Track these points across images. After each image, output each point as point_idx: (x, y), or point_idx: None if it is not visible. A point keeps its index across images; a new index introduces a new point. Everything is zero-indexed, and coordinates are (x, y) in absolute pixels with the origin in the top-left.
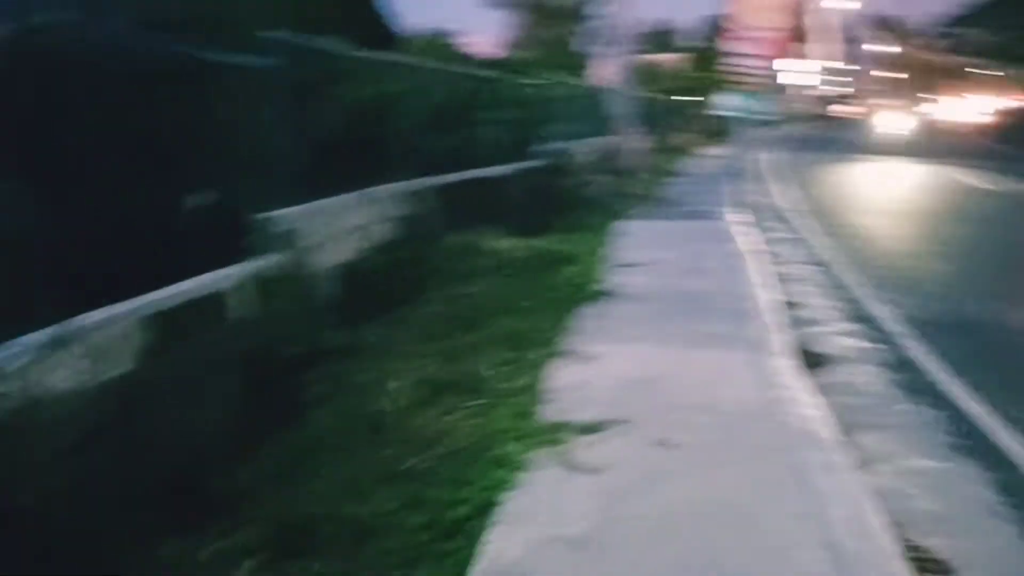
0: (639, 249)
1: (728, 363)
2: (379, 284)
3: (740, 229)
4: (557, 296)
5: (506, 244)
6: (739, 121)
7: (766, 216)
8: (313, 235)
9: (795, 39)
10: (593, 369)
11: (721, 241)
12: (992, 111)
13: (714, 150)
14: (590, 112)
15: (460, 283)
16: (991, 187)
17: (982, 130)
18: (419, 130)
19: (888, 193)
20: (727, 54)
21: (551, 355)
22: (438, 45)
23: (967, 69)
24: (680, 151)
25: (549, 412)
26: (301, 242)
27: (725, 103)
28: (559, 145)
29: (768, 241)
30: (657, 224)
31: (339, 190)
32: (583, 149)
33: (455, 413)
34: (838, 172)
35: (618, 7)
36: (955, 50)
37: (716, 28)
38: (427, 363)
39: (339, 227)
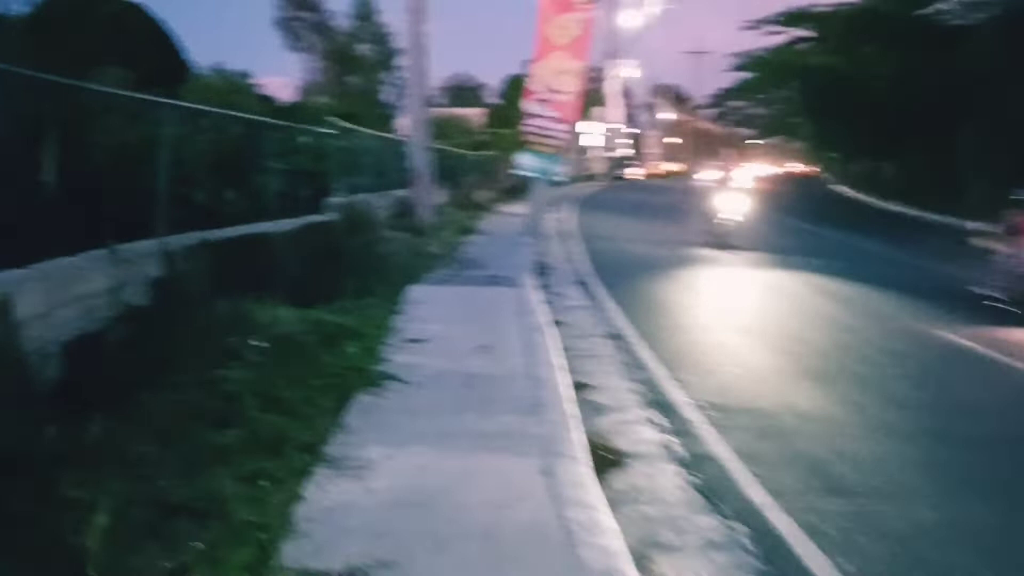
0: (430, 321)
1: (517, 472)
2: (117, 364)
3: (537, 297)
4: (333, 382)
5: (283, 315)
6: (537, 180)
7: (563, 281)
8: (34, 304)
9: (591, 103)
10: (361, 484)
11: (516, 312)
12: (766, 176)
13: (514, 207)
14: (388, 164)
15: (220, 364)
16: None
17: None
18: (192, 179)
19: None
20: (528, 114)
21: (315, 463)
22: (232, 85)
23: (741, 138)
24: (480, 207)
25: (296, 553)
26: (15, 313)
27: (524, 162)
28: (352, 198)
29: (565, 310)
30: (452, 290)
31: (82, 247)
32: (379, 203)
33: (178, 553)
34: (629, 231)
35: (414, 58)
36: (726, 120)
37: (518, 87)
38: (159, 475)
39: (74, 292)
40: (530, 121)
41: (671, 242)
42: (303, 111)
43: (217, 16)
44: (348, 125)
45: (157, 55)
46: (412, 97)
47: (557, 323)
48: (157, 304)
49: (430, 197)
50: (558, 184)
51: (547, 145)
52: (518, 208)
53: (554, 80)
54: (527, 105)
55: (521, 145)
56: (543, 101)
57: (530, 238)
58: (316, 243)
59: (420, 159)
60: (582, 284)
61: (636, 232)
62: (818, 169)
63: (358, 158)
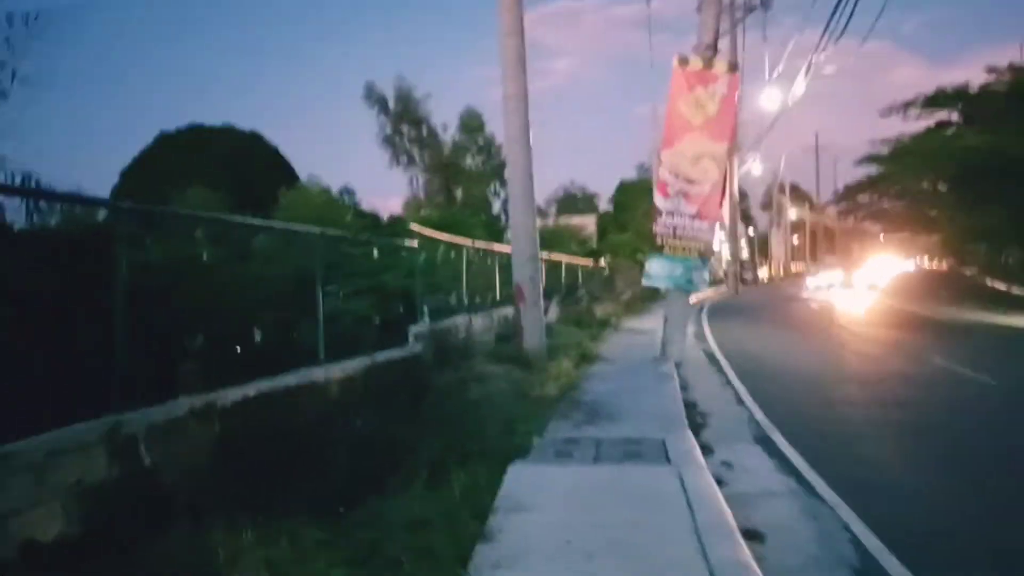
0: (535, 561)
1: None
2: None
3: (705, 484)
4: None
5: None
6: (672, 290)
7: (729, 436)
8: None
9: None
10: None
11: (686, 529)
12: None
13: (640, 322)
14: (490, 279)
15: None
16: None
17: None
18: (243, 310)
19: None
20: (660, 211)
21: None
22: (327, 199)
23: (867, 234)
24: (600, 324)
25: None
26: None
27: (656, 269)
28: (445, 322)
29: (755, 504)
30: (573, 476)
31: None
32: (480, 324)
33: None
34: (780, 347)
35: (517, 154)
36: (852, 216)
37: (630, 192)
38: None
39: None
40: (663, 220)
41: (842, 361)
42: (398, 224)
43: (336, 141)
44: (435, 234)
45: (274, 177)
46: (514, 200)
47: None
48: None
49: (539, 315)
50: (696, 290)
51: (683, 248)
52: (645, 323)
53: (690, 168)
54: (659, 201)
55: (653, 249)
56: (678, 195)
57: (667, 366)
58: (386, 390)
59: (525, 271)
60: (760, 442)
61: (788, 348)
62: (953, 263)
63: (451, 273)
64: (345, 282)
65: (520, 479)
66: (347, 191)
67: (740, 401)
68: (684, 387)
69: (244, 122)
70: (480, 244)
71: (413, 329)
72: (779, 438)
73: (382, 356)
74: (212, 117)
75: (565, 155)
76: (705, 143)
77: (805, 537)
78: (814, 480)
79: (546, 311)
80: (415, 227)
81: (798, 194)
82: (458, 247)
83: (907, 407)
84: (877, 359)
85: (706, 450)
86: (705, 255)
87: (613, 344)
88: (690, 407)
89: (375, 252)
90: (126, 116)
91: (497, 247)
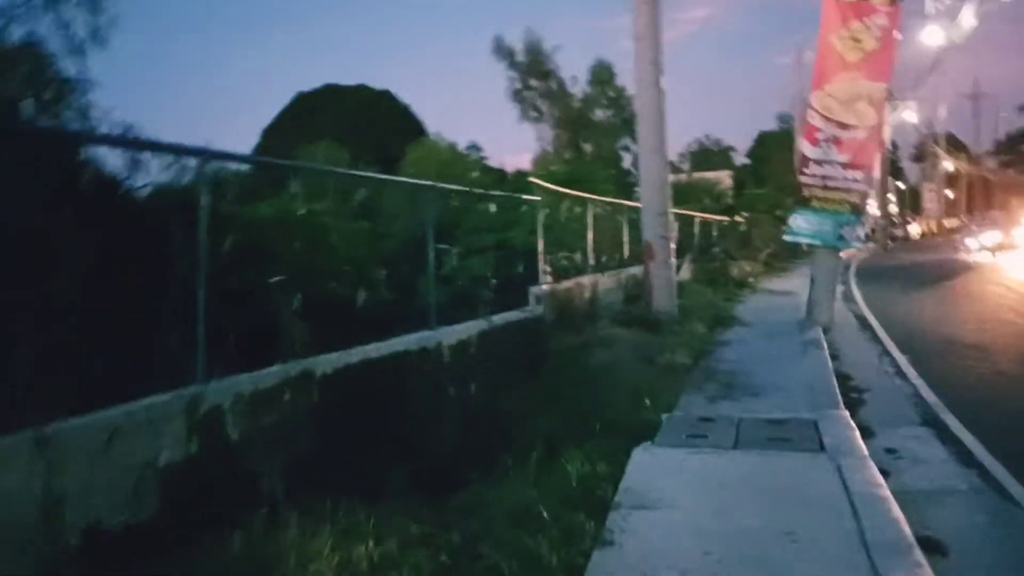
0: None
1: None
2: None
3: (862, 477)
4: None
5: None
6: (820, 247)
7: (891, 417)
8: None
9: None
10: None
11: (833, 531)
12: None
13: (780, 283)
14: (618, 236)
15: None
16: None
17: None
18: (353, 270)
19: None
20: (807, 159)
21: None
22: (450, 156)
23: None
24: (736, 283)
25: None
26: None
27: (802, 224)
28: (568, 283)
29: (930, 503)
30: (707, 465)
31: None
32: (606, 284)
33: None
34: (937, 312)
35: (647, 101)
36: (1015, 168)
37: (769, 144)
38: None
39: None
40: (810, 170)
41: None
42: (521, 180)
43: (468, 99)
44: (559, 189)
45: (405, 134)
46: (644, 151)
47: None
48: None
49: (670, 275)
50: (846, 248)
51: (834, 200)
52: (786, 283)
53: (844, 111)
54: (806, 148)
55: (798, 202)
56: (829, 141)
57: (813, 332)
58: (503, 356)
59: (655, 228)
60: (930, 425)
61: (952, 315)
62: None
63: (577, 230)
64: (463, 240)
65: (646, 466)
66: (474, 147)
67: (901, 374)
68: (834, 356)
69: (378, 82)
70: (608, 199)
71: (534, 289)
72: (952, 421)
73: (500, 319)
74: (347, 78)
75: (701, 108)
76: (861, 83)
77: (996, 551)
78: (1002, 476)
79: (678, 270)
80: (536, 181)
81: (954, 144)
82: (584, 202)
83: None
84: None
85: (865, 433)
86: (858, 209)
87: (751, 306)
88: (843, 380)
89: (492, 208)
90: (267, 78)
91: (627, 203)
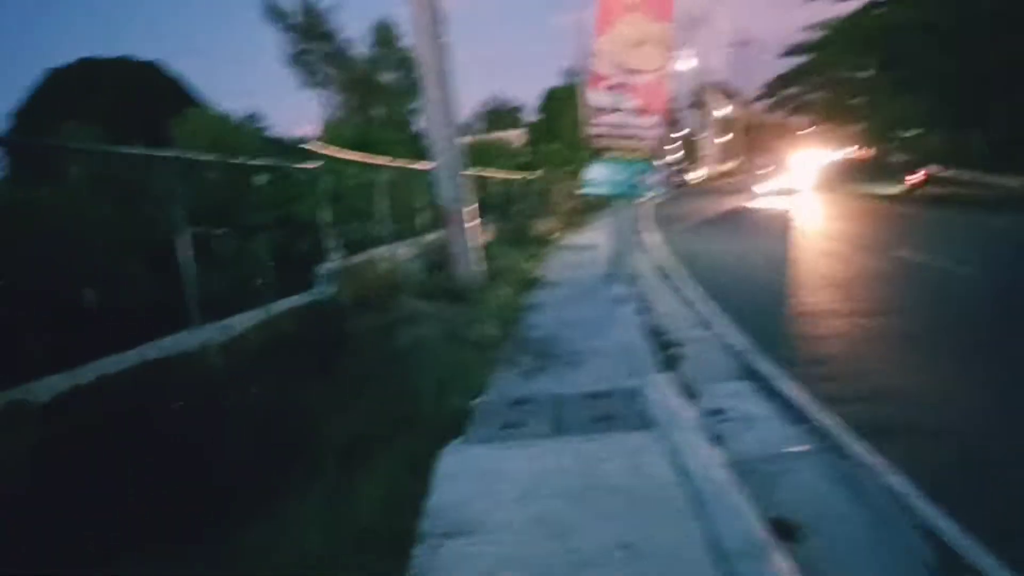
0: None
1: None
2: None
3: (697, 458)
4: None
5: None
6: (618, 198)
7: (712, 369)
8: None
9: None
10: None
11: (679, 537)
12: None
13: (582, 236)
14: (413, 203)
15: None
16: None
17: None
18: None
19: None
20: (597, 109)
21: None
22: (222, 127)
23: (794, 128)
24: (539, 242)
25: None
26: None
27: (597, 176)
28: (361, 256)
29: (767, 480)
30: (525, 463)
31: None
32: (404, 254)
33: None
34: (735, 250)
35: (431, 63)
36: (780, 110)
37: (558, 98)
38: None
39: None
40: (601, 119)
41: (808, 264)
42: (307, 149)
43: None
44: (344, 155)
45: (176, 109)
46: (432, 109)
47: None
48: None
49: (471, 239)
50: (640, 198)
51: (627, 148)
52: (587, 237)
53: (630, 55)
54: (595, 97)
55: (592, 155)
56: (617, 87)
57: (619, 287)
58: (290, 347)
59: (451, 191)
60: (750, 377)
61: (745, 254)
62: (875, 151)
63: (369, 198)
64: (239, 219)
65: (457, 474)
66: (252, 116)
67: (708, 324)
68: (643, 310)
69: (145, 54)
70: (399, 163)
71: (323, 268)
72: (769, 369)
73: (282, 305)
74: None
75: (488, 73)
76: (645, 24)
77: (853, 526)
78: (836, 431)
79: (479, 232)
80: (313, 147)
81: (727, 91)
82: (375, 168)
83: (902, 313)
84: (845, 258)
85: (689, 394)
86: (653, 155)
87: (556, 264)
88: (656, 336)
89: (263, 179)
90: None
91: (422, 166)
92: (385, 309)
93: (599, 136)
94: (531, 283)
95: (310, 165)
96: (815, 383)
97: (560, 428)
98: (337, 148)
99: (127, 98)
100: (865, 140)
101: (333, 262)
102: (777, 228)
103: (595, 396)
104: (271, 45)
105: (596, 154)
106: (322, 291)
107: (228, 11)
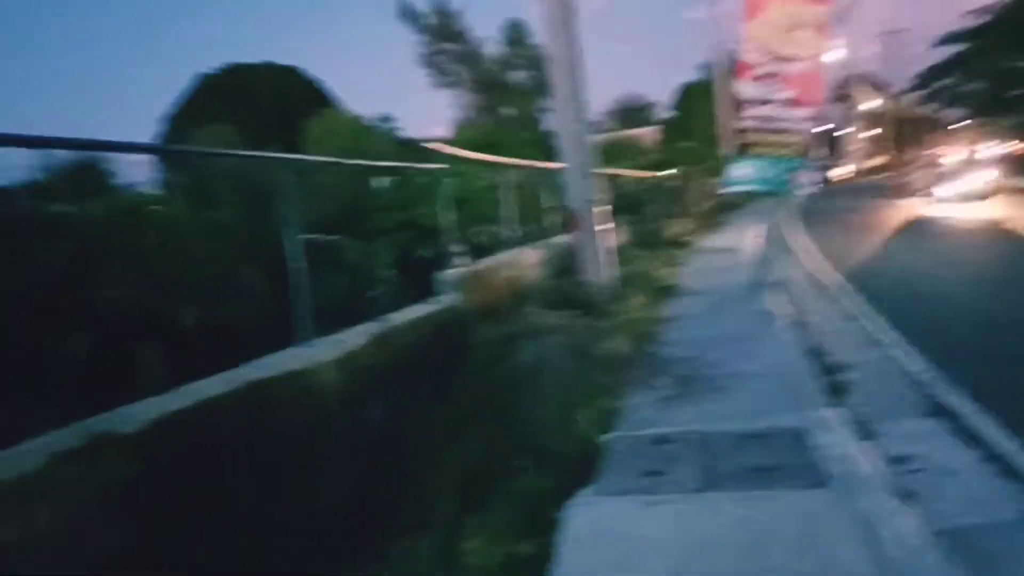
0: None
1: None
2: None
3: (892, 531)
4: None
5: None
6: (758, 192)
7: (890, 405)
8: None
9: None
10: None
11: None
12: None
13: (724, 239)
14: (540, 204)
15: None
16: None
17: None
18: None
19: None
20: (744, 102)
21: None
22: (355, 128)
23: (946, 123)
24: (679, 244)
25: None
26: None
27: (742, 173)
28: (486, 261)
29: (988, 559)
30: (670, 531)
31: None
32: (530, 259)
33: None
34: (895, 255)
35: (562, 54)
36: (934, 103)
37: (693, 95)
38: None
39: None
40: (749, 112)
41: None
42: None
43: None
44: (470, 155)
45: (314, 111)
46: (561, 105)
47: None
48: None
49: (601, 243)
50: (787, 196)
51: (777, 144)
52: (724, 239)
53: (782, 42)
54: (743, 88)
55: (735, 151)
56: (766, 78)
57: (768, 296)
58: (409, 365)
59: (580, 191)
60: (939, 415)
61: (913, 256)
62: None
63: (495, 200)
64: (349, 223)
65: (589, 535)
66: (385, 118)
67: (878, 343)
68: (797, 324)
69: (283, 58)
70: (526, 162)
71: (446, 275)
72: (963, 404)
73: (402, 316)
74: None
75: (618, 70)
76: (800, 6)
77: None
78: None
79: (611, 236)
80: (434, 146)
81: (875, 83)
82: (502, 168)
83: None
84: None
85: (864, 434)
86: (804, 151)
87: (694, 269)
88: (815, 356)
89: (385, 182)
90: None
91: (551, 165)
92: (510, 319)
93: (746, 131)
94: (667, 291)
95: (432, 166)
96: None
97: (712, 480)
98: (462, 148)
99: (272, 101)
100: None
101: (457, 268)
102: (950, 232)
103: (750, 437)
104: (404, 46)
105: (742, 150)
106: (444, 300)
107: (359, 12)
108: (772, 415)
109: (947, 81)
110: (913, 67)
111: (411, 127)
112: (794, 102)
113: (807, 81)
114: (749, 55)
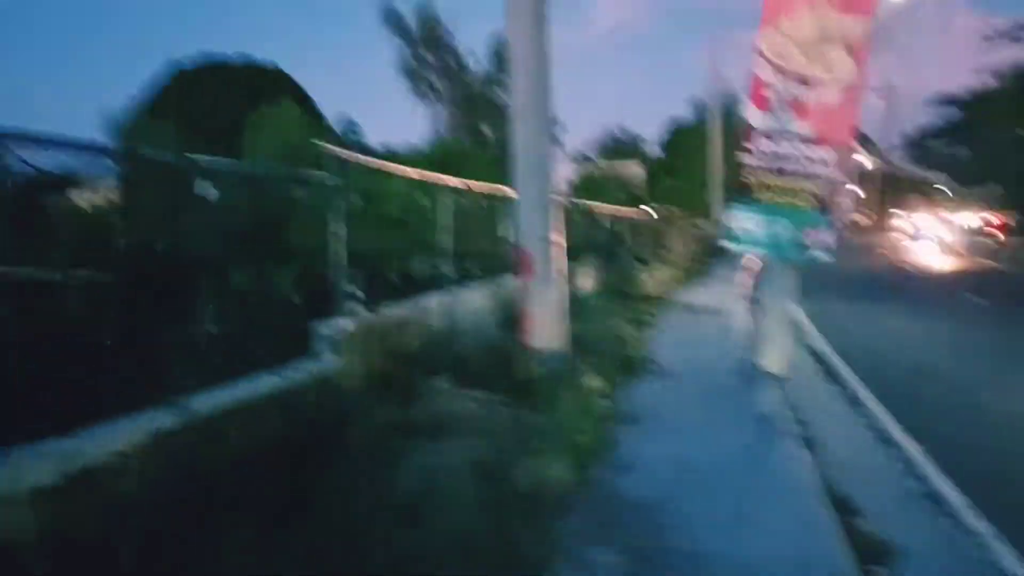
0: None
1: None
2: None
3: None
4: None
5: None
6: (772, 260)
7: None
8: None
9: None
10: None
11: None
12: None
13: (707, 294)
14: (494, 237)
15: None
16: None
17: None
18: None
19: None
20: (754, 133)
21: None
22: (301, 123)
23: (930, 185)
24: (653, 299)
25: None
26: None
27: (745, 224)
28: (400, 309)
29: None
30: None
31: None
32: (469, 305)
33: None
34: (917, 342)
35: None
36: (923, 164)
37: (682, 133)
38: None
39: None
40: (758, 146)
41: None
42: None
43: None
44: (391, 168)
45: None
46: (518, 114)
47: None
48: None
49: (557, 295)
50: (805, 264)
51: (791, 191)
52: (707, 295)
53: (807, 59)
54: (753, 115)
55: (739, 192)
56: (785, 105)
57: (768, 394)
58: (212, 488)
59: (535, 226)
60: None
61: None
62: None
63: (426, 229)
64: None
65: None
66: (351, 124)
67: (924, 478)
68: (810, 442)
69: (258, 53)
70: (479, 185)
71: (330, 325)
72: None
73: (215, 400)
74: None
75: (612, 109)
76: (832, 17)
77: None
78: None
79: (570, 282)
80: (324, 146)
81: (863, 141)
82: (436, 188)
83: None
84: None
85: None
86: (825, 204)
87: (670, 335)
88: (845, 514)
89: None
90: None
91: (501, 190)
92: (414, 396)
93: (752, 168)
94: (633, 367)
95: (319, 172)
96: None
97: None
98: (420, 165)
99: (250, 98)
100: (1003, 205)
101: (347, 316)
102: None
103: None
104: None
105: (742, 190)
106: (315, 367)
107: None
108: None
109: (936, 143)
110: (899, 128)
111: (388, 137)
112: (814, 140)
113: (831, 114)
114: (763, 70)
